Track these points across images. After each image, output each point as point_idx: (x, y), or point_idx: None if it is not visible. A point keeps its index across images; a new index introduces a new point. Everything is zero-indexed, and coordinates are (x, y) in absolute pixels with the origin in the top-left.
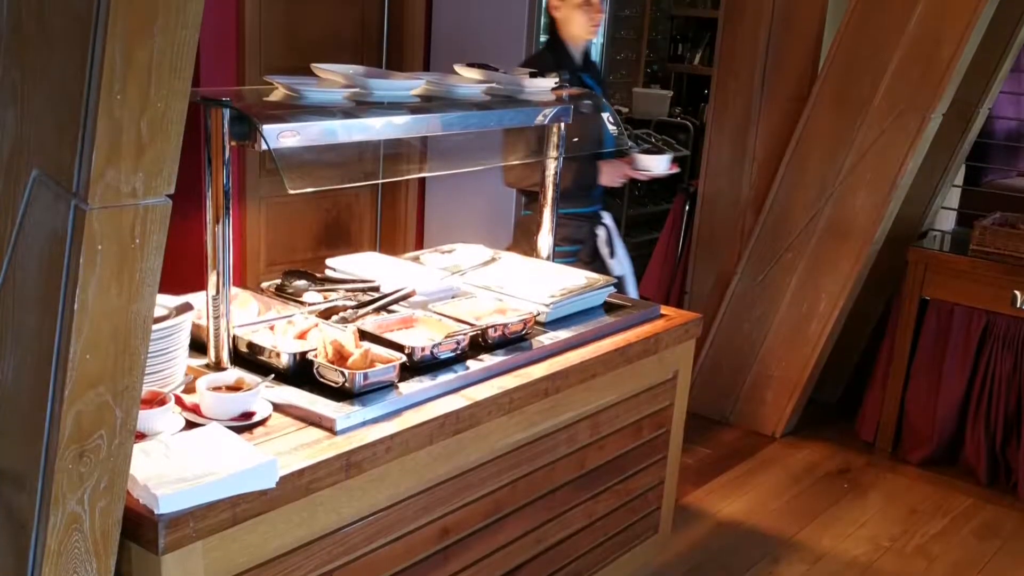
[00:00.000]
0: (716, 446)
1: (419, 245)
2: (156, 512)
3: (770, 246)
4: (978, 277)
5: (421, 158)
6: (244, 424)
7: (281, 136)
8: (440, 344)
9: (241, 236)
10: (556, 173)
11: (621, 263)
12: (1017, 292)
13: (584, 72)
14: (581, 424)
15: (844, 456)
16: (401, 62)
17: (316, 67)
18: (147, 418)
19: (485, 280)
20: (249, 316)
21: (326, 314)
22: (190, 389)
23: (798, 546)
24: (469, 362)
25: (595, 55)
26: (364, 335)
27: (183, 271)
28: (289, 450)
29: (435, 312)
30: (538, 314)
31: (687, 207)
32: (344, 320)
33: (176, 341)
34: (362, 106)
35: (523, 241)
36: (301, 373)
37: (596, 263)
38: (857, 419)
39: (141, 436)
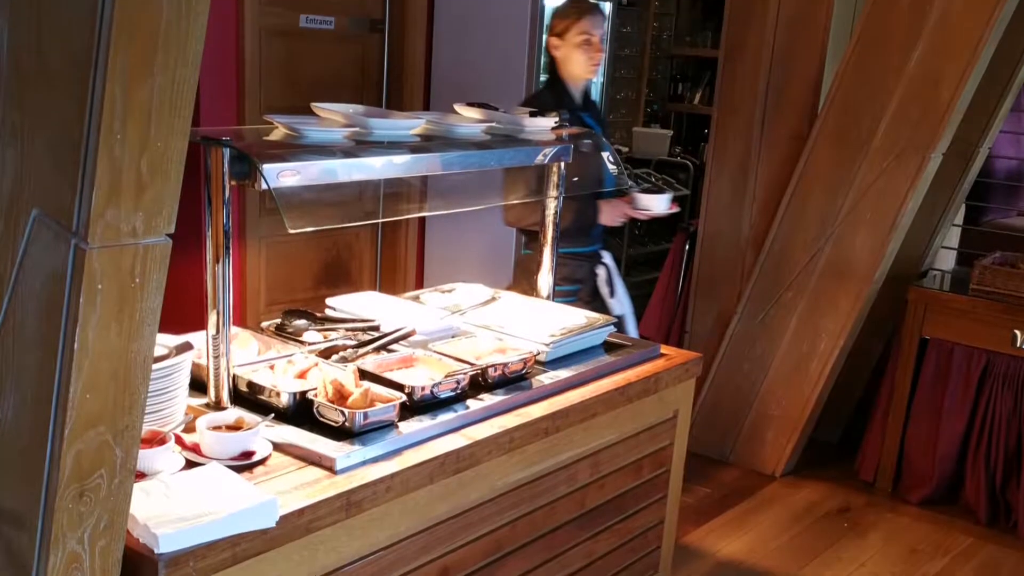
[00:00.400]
0: (716, 485)
1: (419, 284)
2: (156, 551)
3: (770, 285)
4: (978, 316)
5: (421, 197)
6: (244, 463)
7: (281, 175)
8: (440, 383)
9: (241, 275)
10: (556, 212)
11: (621, 302)
12: (1017, 331)
13: (584, 111)
14: (581, 463)
15: (844, 495)
16: (401, 101)
17: (316, 106)
18: (147, 457)
19: (485, 319)
20: (249, 355)
21: (326, 353)
22: (190, 428)
23: None
24: (469, 401)
25: (595, 94)
26: (364, 374)
27: (183, 310)
28: (289, 489)
29: (435, 351)
30: (538, 353)
31: (687, 246)
32: (344, 359)
33: (176, 380)
34: (362, 145)
35: (523, 280)
36: (301, 412)
37: (596, 302)
38: (857, 458)
39: (141, 475)
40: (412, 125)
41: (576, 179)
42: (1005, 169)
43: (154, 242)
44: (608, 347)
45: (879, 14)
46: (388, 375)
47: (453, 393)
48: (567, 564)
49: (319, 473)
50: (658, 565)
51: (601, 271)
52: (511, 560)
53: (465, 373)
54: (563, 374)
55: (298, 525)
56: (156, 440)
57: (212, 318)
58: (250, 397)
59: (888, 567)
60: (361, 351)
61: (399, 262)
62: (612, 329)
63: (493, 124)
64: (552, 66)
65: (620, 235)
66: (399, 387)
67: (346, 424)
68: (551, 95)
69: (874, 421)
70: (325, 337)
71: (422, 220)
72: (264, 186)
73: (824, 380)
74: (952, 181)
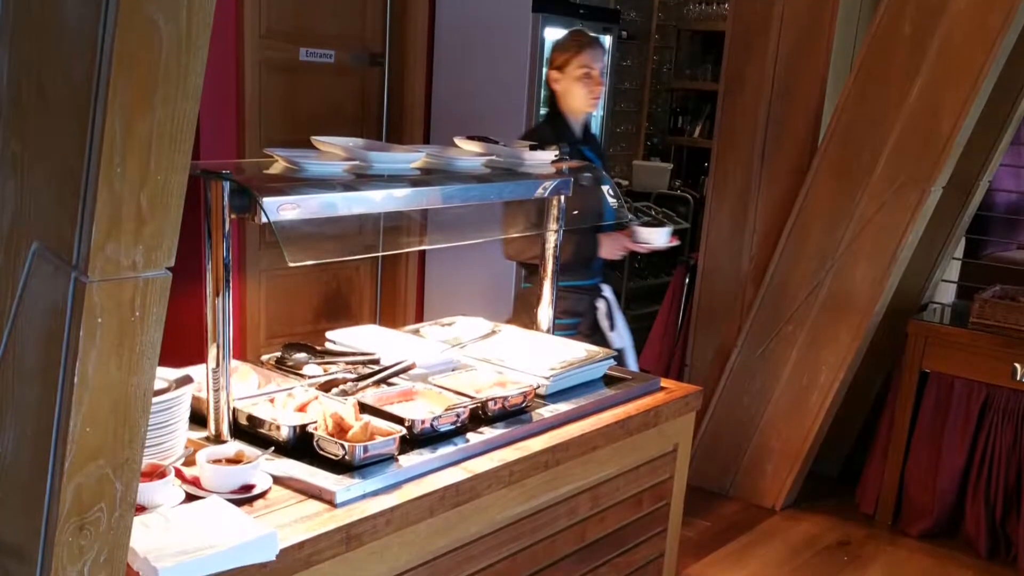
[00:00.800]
0: (716, 519)
1: (419, 318)
2: None
3: (770, 319)
4: (978, 350)
5: (421, 231)
6: (244, 497)
7: (281, 209)
8: (440, 417)
9: (241, 309)
10: (556, 246)
11: (621, 336)
12: (1017, 365)
13: (584, 145)
14: (581, 497)
15: (844, 528)
16: (401, 134)
17: (316, 140)
18: (147, 491)
19: (485, 353)
20: (249, 389)
21: (326, 387)
22: (190, 462)
23: None
24: (469, 435)
25: (595, 128)
26: (364, 408)
27: (183, 343)
28: (289, 523)
29: (435, 385)
30: (538, 387)
31: (687, 280)
32: (344, 393)
33: (176, 414)
34: (362, 179)
35: (523, 314)
36: (301, 446)
37: (596, 336)
38: (857, 491)
39: (141, 509)
40: (412, 158)
41: (576, 212)
42: (1005, 202)
43: (154, 275)
44: (608, 380)
45: (879, 47)
46: (388, 408)
47: (453, 426)
48: None
49: (319, 506)
50: None
51: (601, 304)
52: None
53: (465, 406)
54: (563, 407)
55: (298, 558)
56: (156, 473)
57: (212, 351)
58: (250, 430)
59: None
60: (361, 384)
61: (399, 295)
62: (612, 362)
63: (493, 157)
64: (552, 99)
65: (620, 268)
66: (399, 420)
67: (346, 457)
68: (551, 128)
69: (874, 454)
70: (325, 370)
71: (422, 253)
72: (264, 219)
73: (824, 413)
74: (952, 214)
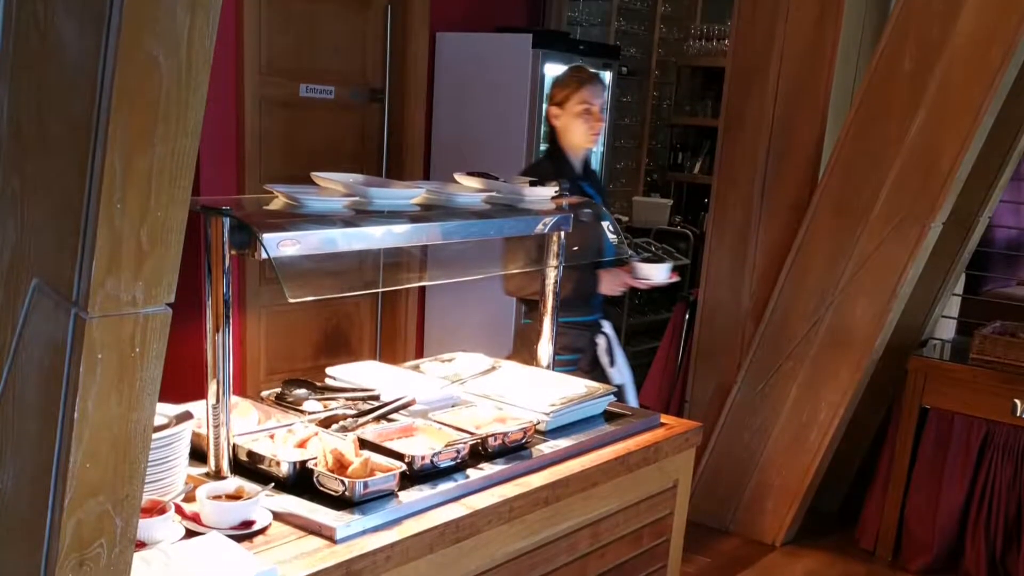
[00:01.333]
0: (716, 555)
1: (419, 354)
2: None
3: (770, 355)
4: (978, 386)
5: (421, 267)
6: (244, 533)
7: (281, 245)
8: (440, 453)
9: (241, 345)
10: (556, 282)
11: (621, 372)
12: (1017, 401)
13: (584, 181)
14: (581, 533)
15: (844, 565)
16: (401, 170)
17: (316, 175)
18: (147, 527)
19: (485, 389)
20: (249, 425)
21: (326, 423)
22: (190, 498)
23: None
24: (469, 471)
25: (595, 163)
26: (364, 444)
27: (183, 379)
28: (289, 559)
29: (435, 421)
30: (538, 423)
31: (687, 316)
32: (344, 429)
33: (176, 450)
34: (362, 215)
35: (523, 350)
36: (301, 482)
37: (596, 372)
38: (857, 528)
39: (141, 545)
40: (412, 194)
41: (576, 248)
42: (1005, 238)
43: (154, 311)
44: (608, 416)
45: (879, 84)
46: (388, 444)
47: (453, 462)
48: None
49: (319, 543)
50: None
51: (601, 340)
52: None
53: (465, 442)
54: (563, 443)
55: None
56: (156, 509)
57: (212, 387)
58: (250, 466)
59: None
60: (361, 420)
61: (399, 331)
62: (612, 398)
63: (493, 193)
64: (552, 135)
65: (620, 304)
66: (399, 456)
67: (346, 493)
68: (551, 164)
69: (874, 490)
70: (325, 406)
71: (422, 289)
72: (264, 255)
73: (824, 449)
74: (952, 250)
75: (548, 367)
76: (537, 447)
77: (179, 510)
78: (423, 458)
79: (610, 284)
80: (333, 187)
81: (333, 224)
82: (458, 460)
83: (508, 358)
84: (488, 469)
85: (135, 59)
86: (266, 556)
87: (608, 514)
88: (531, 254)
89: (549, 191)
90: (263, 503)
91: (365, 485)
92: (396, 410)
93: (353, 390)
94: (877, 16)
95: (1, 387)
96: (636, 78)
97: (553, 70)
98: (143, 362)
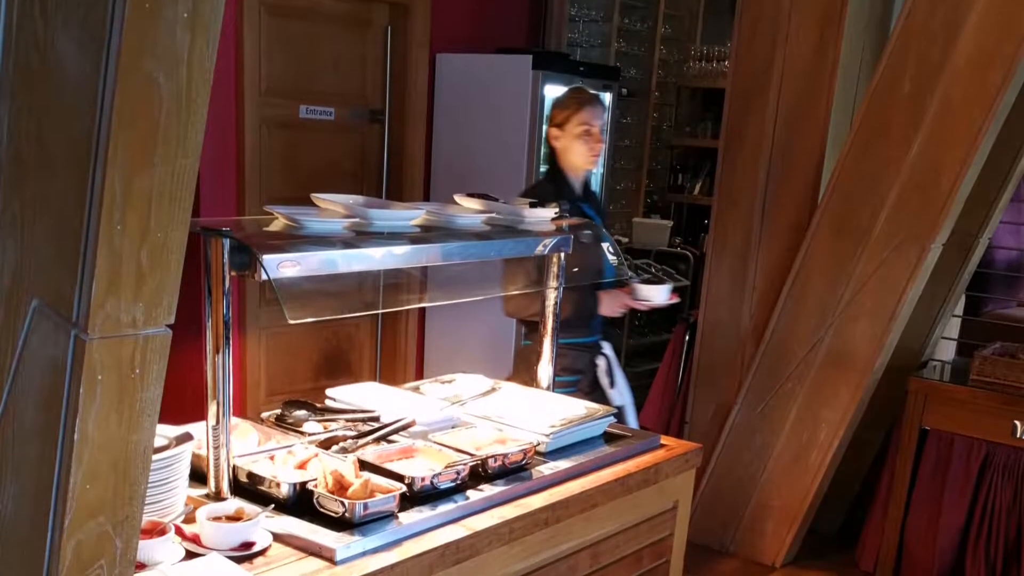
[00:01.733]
0: None
1: (419, 375)
2: None
3: (770, 376)
4: (978, 407)
5: (421, 288)
6: (244, 554)
7: (281, 266)
8: (440, 474)
9: (241, 366)
10: (556, 303)
11: (621, 393)
12: (1017, 422)
13: (584, 202)
14: (581, 554)
15: None
16: (401, 191)
17: (316, 197)
18: (147, 548)
19: (485, 410)
20: (249, 446)
21: (326, 444)
22: (190, 519)
23: None
24: (469, 492)
25: (595, 185)
26: (364, 465)
27: (183, 400)
28: None
29: (435, 442)
30: (538, 444)
31: (687, 337)
32: (344, 450)
33: (176, 471)
34: (362, 236)
35: (523, 371)
36: (301, 503)
37: (596, 393)
38: (857, 549)
39: (141, 566)
40: (412, 216)
41: (576, 270)
42: (1005, 260)
43: (154, 333)
44: (608, 438)
45: (879, 105)
46: (388, 466)
47: (453, 484)
48: None
49: (319, 564)
50: None
51: (601, 362)
52: None
53: (465, 464)
54: (563, 465)
55: None
56: (156, 531)
57: (212, 408)
58: (250, 488)
59: None
60: (361, 442)
61: (399, 353)
62: (612, 420)
63: (493, 215)
64: (552, 157)
65: (620, 326)
66: (399, 478)
67: (346, 515)
68: (551, 186)
69: (874, 511)
70: (325, 428)
71: (422, 311)
72: (264, 277)
73: (824, 470)
74: (952, 271)
75: (548, 388)
76: (537, 468)
77: (179, 531)
78: (423, 479)
79: (610, 305)
80: (333, 208)
81: (333, 245)
82: (458, 481)
83: (508, 379)
84: (488, 490)
85: (135, 80)
86: None
87: (608, 535)
88: (531, 275)
89: (549, 212)
90: (263, 524)
91: (365, 506)
92: (396, 431)
93: (353, 411)
94: (877, 37)
95: (1, 408)
96: (636, 99)
97: (553, 91)
98: (143, 383)
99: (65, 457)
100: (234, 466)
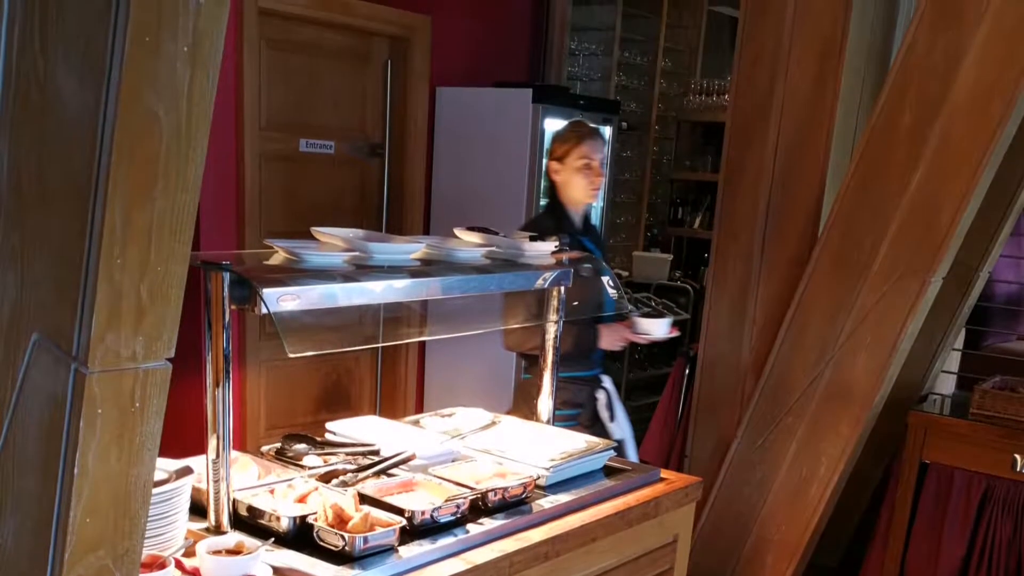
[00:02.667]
0: None
1: (419, 409)
2: None
3: (770, 410)
4: (978, 441)
5: (421, 322)
6: None
7: (281, 300)
8: (440, 508)
9: (241, 399)
10: (556, 337)
11: (621, 427)
12: (1017, 456)
13: (584, 235)
14: None
15: None
16: (401, 225)
17: (316, 230)
18: None
19: (485, 444)
20: (249, 480)
21: (326, 478)
22: (190, 553)
23: None
24: (469, 526)
25: (595, 218)
26: (364, 499)
27: (183, 434)
28: None
29: (435, 476)
30: (538, 478)
31: (687, 371)
32: (344, 484)
33: (176, 505)
34: (362, 270)
35: (523, 405)
36: (301, 537)
37: (596, 427)
38: None
39: None
40: (412, 249)
41: (576, 303)
42: (1005, 293)
43: (154, 367)
44: (608, 471)
45: (879, 138)
46: (388, 499)
47: (453, 517)
48: None
49: None
50: None
51: (601, 395)
52: None
53: (465, 497)
54: (563, 498)
55: None
56: (156, 565)
57: (212, 442)
58: (250, 521)
59: None
60: (361, 475)
61: (399, 386)
62: (612, 453)
63: (493, 248)
64: (552, 190)
65: (620, 359)
66: (399, 511)
67: (346, 548)
68: (551, 219)
69: (874, 545)
70: (325, 461)
71: (422, 344)
72: (264, 310)
73: (824, 504)
74: (952, 305)
75: (548, 422)
76: (537, 502)
77: (179, 565)
78: (423, 513)
79: (610, 339)
80: (333, 242)
81: (333, 279)
82: (458, 515)
83: (508, 413)
84: (488, 524)
85: (135, 114)
86: None
87: (608, 569)
88: (531, 309)
89: (549, 246)
90: (263, 558)
91: (365, 540)
92: (396, 465)
93: (353, 445)
94: (877, 71)
95: (1, 442)
96: (636, 133)
97: (553, 125)
98: (143, 417)
99: (65, 491)
100: (234, 500)
